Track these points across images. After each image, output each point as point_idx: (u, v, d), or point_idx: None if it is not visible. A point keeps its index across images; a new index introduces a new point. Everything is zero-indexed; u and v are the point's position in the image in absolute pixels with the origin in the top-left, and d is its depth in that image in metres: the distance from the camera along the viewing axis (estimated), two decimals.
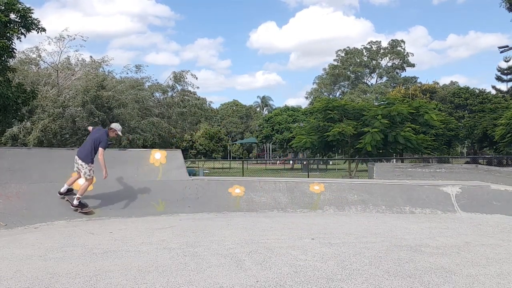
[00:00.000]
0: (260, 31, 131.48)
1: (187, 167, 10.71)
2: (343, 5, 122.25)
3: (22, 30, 15.18)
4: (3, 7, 14.48)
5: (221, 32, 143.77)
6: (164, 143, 30.24)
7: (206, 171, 31.99)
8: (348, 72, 69.77)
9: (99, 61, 34.37)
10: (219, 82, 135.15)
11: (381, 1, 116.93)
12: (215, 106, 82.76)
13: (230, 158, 58.47)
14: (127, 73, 35.12)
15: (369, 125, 22.98)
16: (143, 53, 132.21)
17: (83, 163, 7.39)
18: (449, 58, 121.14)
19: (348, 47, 71.43)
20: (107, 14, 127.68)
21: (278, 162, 49.23)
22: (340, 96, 66.34)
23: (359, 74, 70.68)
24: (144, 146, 25.51)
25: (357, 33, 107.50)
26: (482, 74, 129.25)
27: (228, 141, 67.89)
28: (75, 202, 7.43)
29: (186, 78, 38.07)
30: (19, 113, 16.97)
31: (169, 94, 37.39)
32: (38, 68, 31.34)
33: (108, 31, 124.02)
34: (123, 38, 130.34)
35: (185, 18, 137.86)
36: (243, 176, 21.34)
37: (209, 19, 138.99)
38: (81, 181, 7.60)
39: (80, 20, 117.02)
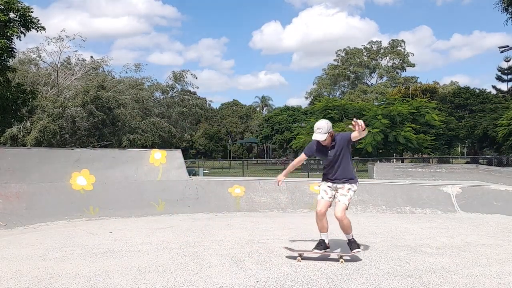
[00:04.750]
0: (263, 31, 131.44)
1: (187, 167, 10.70)
2: (348, 5, 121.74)
3: (22, 29, 15.19)
4: (3, 6, 14.47)
5: (225, 32, 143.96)
6: (164, 143, 30.26)
7: (206, 171, 31.97)
8: (348, 72, 69.70)
9: (99, 61, 34.41)
10: (222, 82, 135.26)
11: (386, 1, 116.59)
12: (216, 106, 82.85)
13: (230, 158, 58.47)
14: (127, 72, 35.19)
15: (369, 125, 22.98)
16: (147, 53, 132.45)
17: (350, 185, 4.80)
18: (452, 58, 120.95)
19: (348, 47, 71.43)
20: (114, 15, 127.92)
21: (278, 162, 49.20)
22: (340, 96, 66.31)
23: (359, 74, 70.60)
24: (144, 146, 25.52)
25: (362, 33, 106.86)
26: (484, 74, 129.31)
27: (228, 141, 67.88)
28: (351, 237, 4.80)
29: (186, 78, 38.07)
30: (18, 114, 16.96)
31: (169, 94, 37.42)
32: (38, 68, 31.37)
33: (114, 31, 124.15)
34: (128, 38, 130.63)
35: (191, 19, 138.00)
36: (243, 176, 21.34)
37: (214, 19, 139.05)
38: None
39: (86, 21, 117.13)
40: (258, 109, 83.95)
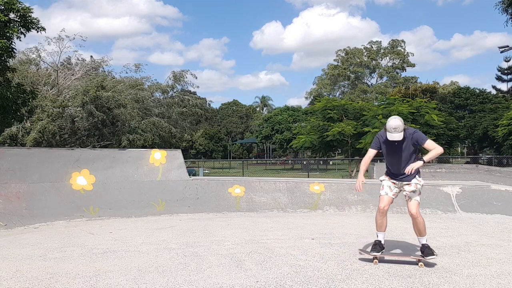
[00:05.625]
0: (264, 31, 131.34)
1: (187, 167, 10.70)
2: (349, 5, 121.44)
3: (22, 30, 15.19)
4: (3, 7, 14.48)
5: (226, 32, 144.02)
6: (164, 143, 30.25)
7: (206, 171, 31.99)
8: (348, 72, 69.69)
9: (99, 61, 34.44)
10: (223, 82, 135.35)
11: (388, 1, 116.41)
12: (216, 106, 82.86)
13: (230, 158, 58.48)
14: (127, 73, 35.21)
15: (369, 125, 22.96)
16: (148, 53, 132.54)
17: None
18: (452, 58, 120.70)
19: (348, 47, 71.40)
20: (115, 15, 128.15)
21: (278, 162, 49.23)
22: (340, 96, 66.32)
23: (359, 74, 70.58)
24: (144, 146, 25.50)
25: (363, 33, 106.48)
26: (485, 74, 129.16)
27: (228, 141, 67.88)
28: (425, 241, 4.55)
29: (186, 78, 38.07)
30: (18, 114, 16.96)
31: (169, 94, 37.43)
32: (38, 68, 31.39)
33: (115, 31, 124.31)
34: (129, 38, 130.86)
35: (192, 19, 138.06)
36: (243, 176, 21.35)
37: (215, 19, 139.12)
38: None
39: (87, 21, 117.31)
40: (258, 109, 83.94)
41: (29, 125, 24.16)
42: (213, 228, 6.66)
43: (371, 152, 4.90)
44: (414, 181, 4.64)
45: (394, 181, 4.70)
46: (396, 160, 4.65)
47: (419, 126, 23.98)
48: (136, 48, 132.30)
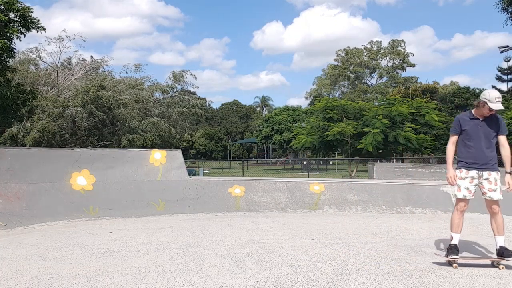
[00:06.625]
0: (265, 31, 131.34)
1: (187, 167, 10.70)
2: (350, 5, 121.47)
3: (22, 30, 15.21)
4: (3, 7, 14.49)
5: (226, 32, 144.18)
6: (164, 143, 30.25)
7: (206, 171, 32.01)
8: (348, 72, 69.66)
9: (99, 61, 34.45)
10: (223, 82, 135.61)
11: (389, 1, 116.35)
12: (216, 106, 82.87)
13: (230, 158, 58.48)
14: (127, 73, 35.22)
15: (369, 125, 22.96)
16: (149, 53, 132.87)
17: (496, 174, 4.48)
18: (453, 58, 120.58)
19: (348, 47, 71.36)
20: (116, 15, 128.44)
21: (278, 162, 49.23)
22: (340, 96, 66.31)
23: (359, 74, 70.55)
24: (144, 146, 25.49)
25: (364, 33, 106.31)
26: (485, 74, 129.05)
27: (228, 141, 67.89)
28: (503, 242, 4.40)
29: (186, 78, 38.07)
30: (18, 114, 16.97)
31: (169, 94, 37.43)
32: (38, 68, 31.39)
33: (116, 31, 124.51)
34: (130, 38, 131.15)
35: (193, 19, 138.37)
36: (243, 176, 21.36)
37: (216, 19, 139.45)
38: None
39: (89, 21, 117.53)
40: (258, 109, 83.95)
41: (29, 125, 24.16)
42: (213, 228, 6.66)
43: (454, 138, 4.62)
44: (494, 174, 4.41)
45: (473, 175, 4.44)
46: (481, 143, 4.42)
47: (419, 126, 24.02)
48: (137, 48, 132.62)
